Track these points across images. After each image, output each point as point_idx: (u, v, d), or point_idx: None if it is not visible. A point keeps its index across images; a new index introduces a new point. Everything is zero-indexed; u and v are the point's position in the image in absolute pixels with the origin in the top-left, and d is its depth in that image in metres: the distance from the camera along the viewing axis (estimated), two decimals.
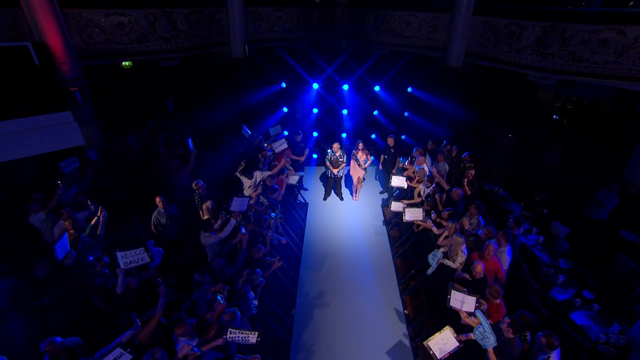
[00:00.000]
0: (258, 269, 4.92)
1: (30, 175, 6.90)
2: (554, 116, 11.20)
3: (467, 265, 5.19)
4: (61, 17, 7.25)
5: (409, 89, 10.64)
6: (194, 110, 10.96)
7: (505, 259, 5.35)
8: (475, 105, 10.02)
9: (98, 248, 5.27)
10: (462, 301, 4.22)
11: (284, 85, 11.49)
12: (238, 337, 3.68)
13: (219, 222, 5.90)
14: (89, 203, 5.99)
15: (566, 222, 6.55)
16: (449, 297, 4.27)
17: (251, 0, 10.23)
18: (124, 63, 10.14)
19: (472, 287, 4.74)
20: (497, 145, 9.39)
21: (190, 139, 7.20)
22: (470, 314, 4.20)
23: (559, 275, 5.65)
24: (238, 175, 7.46)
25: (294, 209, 8.66)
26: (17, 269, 5.04)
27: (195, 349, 3.43)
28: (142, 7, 8.15)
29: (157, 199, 6.25)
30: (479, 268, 4.79)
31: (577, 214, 7.19)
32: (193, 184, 6.56)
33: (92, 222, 5.47)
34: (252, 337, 3.69)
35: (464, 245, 5.26)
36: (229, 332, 3.66)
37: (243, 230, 5.22)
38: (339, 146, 8.81)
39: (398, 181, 7.65)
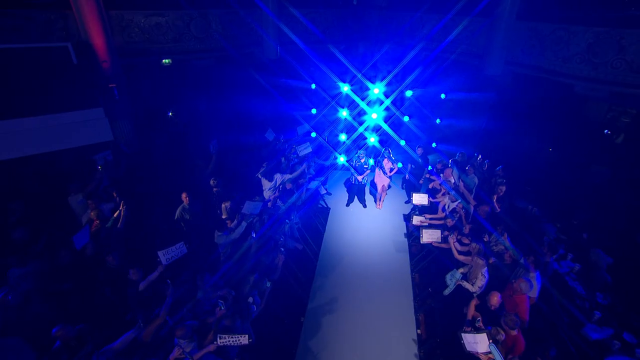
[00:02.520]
0: (264, 277, 4.86)
1: (68, 165, 7.41)
2: (605, 131, 10.18)
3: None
4: (106, 18, 7.70)
5: (443, 96, 10.15)
6: (224, 110, 11.19)
7: (535, 287, 4.88)
8: (513, 116, 9.35)
9: (118, 240, 5.49)
10: (475, 342, 3.92)
11: (313, 86, 11.42)
12: (229, 341, 3.65)
13: (235, 222, 5.94)
14: (115, 195, 6.27)
15: (609, 251, 5.88)
16: (462, 342, 4.02)
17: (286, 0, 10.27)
18: (164, 60, 10.60)
19: (487, 315, 4.38)
20: (535, 160, 8.69)
21: (214, 142, 7.30)
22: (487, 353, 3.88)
23: (595, 311, 5.06)
24: (259, 176, 7.49)
25: (314, 214, 8.55)
26: (45, 253, 5.36)
27: (187, 354, 3.43)
28: (179, 8, 8.45)
29: (184, 195, 6.40)
30: (494, 300, 4.40)
31: (624, 243, 6.44)
32: (211, 181, 6.65)
33: (115, 214, 5.71)
34: (244, 339, 3.66)
35: (485, 268, 4.88)
36: (218, 338, 3.64)
37: (253, 235, 5.20)
38: (364, 153, 8.61)
39: (419, 199, 7.26)
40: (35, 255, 5.19)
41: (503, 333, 3.94)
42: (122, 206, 5.66)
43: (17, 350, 3.97)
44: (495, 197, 6.44)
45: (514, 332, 4.06)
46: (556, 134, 9.41)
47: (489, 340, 3.85)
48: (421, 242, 6.22)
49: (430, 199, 7.44)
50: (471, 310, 4.68)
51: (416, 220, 7.00)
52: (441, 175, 7.73)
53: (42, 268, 4.94)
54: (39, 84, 5.58)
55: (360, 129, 9.77)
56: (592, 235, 6.31)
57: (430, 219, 7.04)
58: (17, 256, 4.90)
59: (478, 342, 3.90)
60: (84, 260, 5.16)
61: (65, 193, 6.21)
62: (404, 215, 8.99)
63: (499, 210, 6.34)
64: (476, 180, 7.42)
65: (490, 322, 4.33)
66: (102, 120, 5.35)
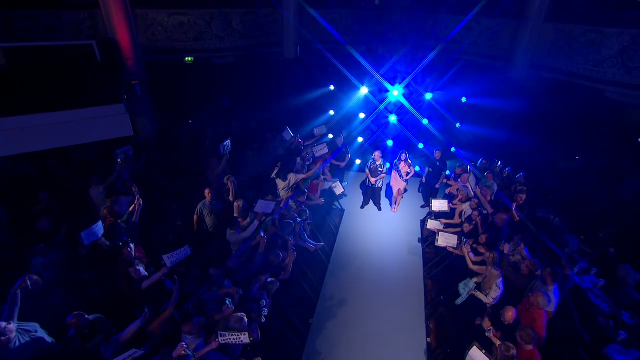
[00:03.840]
0: (272, 277, 4.85)
1: (91, 158, 7.70)
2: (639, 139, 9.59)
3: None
4: (131, 17, 7.93)
5: (464, 99, 9.88)
6: (243, 108, 11.33)
7: (552, 301, 4.64)
8: (537, 122, 8.96)
9: (132, 234, 5.62)
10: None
11: (332, 88, 11.39)
12: (230, 339, 3.64)
13: (248, 220, 5.97)
14: (134, 189, 6.43)
15: (639, 267, 5.53)
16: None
17: (306, 1, 10.25)
18: (186, 58, 10.84)
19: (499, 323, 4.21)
20: (560, 169, 8.30)
21: (227, 142, 7.34)
22: None
23: (620, 331, 4.76)
24: (274, 177, 7.51)
25: (328, 215, 8.51)
26: (66, 244, 5.55)
27: (190, 352, 3.46)
28: (201, 7, 8.61)
29: (207, 191, 6.42)
30: (509, 315, 4.19)
31: None
32: (225, 179, 6.71)
33: (130, 209, 5.85)
34: (244, 338, 3.65)
35: (500, 279, 4.68)
36: (219, 336, 3.65)
37: (262, 234, 5.21)
38: (380, 155, 8.48)
39: (439, 205, 7.03)
40: (57, 245, 5.38)
41: (515, 349, 3.76)
42: (138, 200, 5.79)
43: (32, 335, 4.10)
44: (514, 205, 6.19)
45: (530, 347, 3.87)
46: (584, 141, 8.95)
47: (481, 350, 3.70)
48: (436, 244, 6.09)
49: (450, 204, 7.25)
50: (487, 324, 4.54)
51: (432, 224, 6.85)
52: (459, 180, 7.53)
53: (62, 258, 5.11)
54: (64, 80, 5.83)
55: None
56: (620, 250, 5.94)
57: (446, 224, 6.87)
58: (40, 245, 5.08)
59: (475, 358, 3.76)
60: (102, 252, 5.31)
61: (88, 184, 6.43)
62: (421, 220, 8.81)
63: (517, 219, 6.09)
64: (495, 187, 7.17)
65: (505, 336, 4.15)
66: (124, 116, 5.51)
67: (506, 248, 5.28)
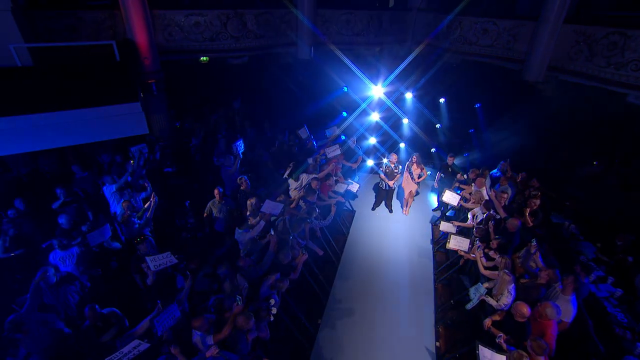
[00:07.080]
0: (285, 277, 4.88)
1: (108, 155, 7.89)
2: None
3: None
4: (149, 18, 8.09)
5: (477, 105, 9.71)
6: (256, 107, 11.42)
7: (570, 311, 4.51)
8: (554, 126, 8.75)
9: (147, 230, 5.75)
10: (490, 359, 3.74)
11: (345, 89, 11.37)
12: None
13: (257, 219, 6.01)
14: (148, 186, 6.57)
15: None
16: (478, 353, 3.86)
17: (320, 1, 10.27)
18: (202, 58, 10.98)
19: (509, 329, 4.14)
20: (577, 174, 8.08)
21: (239, 142, 7.41)
22: None
23: (637, 343, 4.63)
24: (286, 177, 7.56)
25: (338, 216, 8.50)
26: (84, 239, 5.71)
27: (222, 353, 3.53)
28: (217, 7, 8.72)
29: (216, 191, 6.52)
30: (524, 310, 4.11)
31: None
32: (238, 179, 6.78)
33: (145, 205, 5.98)
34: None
35: (512, 285, 4.60)
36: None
37: (272, 232, 5.25)
38: (396, 158, 8.42)
39: (450, 197, 6.97)
40: (76, 240, 5.53)
41: (527, 357, 3.69)
42: (153, 197, 5.91)
43: (51, 325, 4.26)
44: (527, 210, 6.07)
45: (540, 359, 3.79)
46: (603, 146, 8.70)
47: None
48: (447, 247, 6.03)
49: (462, 202, 7.16)
50: (488, 322, 4.50)
51: (444, 226, 6.79)
52: (473, 184, 7.43)
53: (80, 253, 5.27)
54: (84, 79, 5.99)
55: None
56: (639, 258, 5.76)
57: (459, 226, 6.80)
58: (60, 239, 5.24)
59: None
60: (116, 250, 5.46)
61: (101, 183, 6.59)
62: (432, 223, 8.72)
63: (531, 224, 5.97)
64: (510, 191, 7.05)
65: (513, 342, 4.09)
66: (140, 114, 5.63)
67: (519, 254, 5.20)
